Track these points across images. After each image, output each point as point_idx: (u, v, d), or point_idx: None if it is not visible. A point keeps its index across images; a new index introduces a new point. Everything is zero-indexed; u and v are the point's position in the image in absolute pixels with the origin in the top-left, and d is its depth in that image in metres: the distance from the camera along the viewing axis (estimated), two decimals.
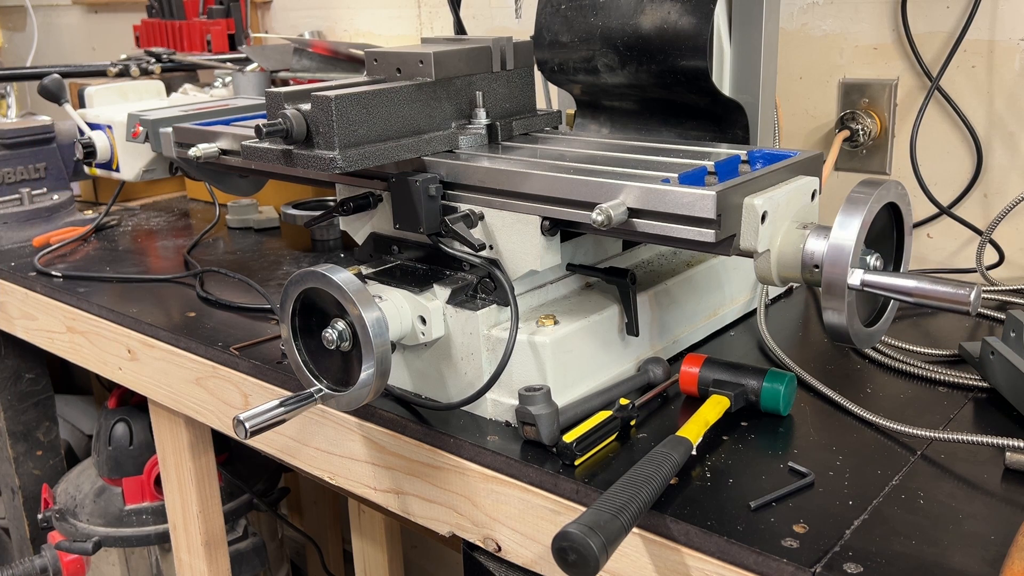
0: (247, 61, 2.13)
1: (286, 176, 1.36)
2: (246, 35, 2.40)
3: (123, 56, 2.26)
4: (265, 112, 1.48)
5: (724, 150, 1.07)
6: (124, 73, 2.08)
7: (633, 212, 0.91)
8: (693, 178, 0.93)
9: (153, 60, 2.15)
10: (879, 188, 0.85)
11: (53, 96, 1.76)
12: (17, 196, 1.86)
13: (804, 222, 0.92)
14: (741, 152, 1.03)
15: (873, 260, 0.87)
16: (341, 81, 1.12)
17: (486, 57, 1.15)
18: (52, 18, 3.45)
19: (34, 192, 1.88)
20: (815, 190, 0.97)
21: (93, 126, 1.77)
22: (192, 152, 1.33)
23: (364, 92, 1.02)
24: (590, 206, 0.92)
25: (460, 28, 1.33)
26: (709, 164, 0.98)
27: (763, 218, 0.88)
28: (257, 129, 1.01)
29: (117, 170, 1.76)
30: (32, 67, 2.39)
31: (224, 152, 1.34)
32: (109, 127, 1.74)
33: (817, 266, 0.87)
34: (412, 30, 2.18)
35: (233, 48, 2.37)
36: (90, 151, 1.75)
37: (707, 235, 0.88)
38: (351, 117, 1.00)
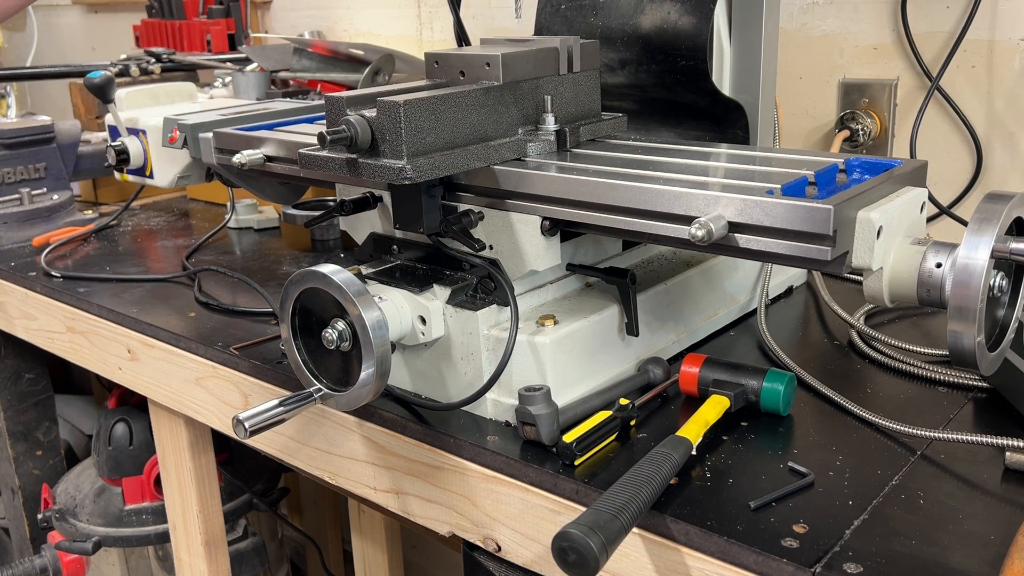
0: (247, 61, 2.13)
1: (331, 184, 1.29)
2: (246, 35, 2.41)
3: (123, 56, 2.26)
4: (306, 116, 1.46)
5: (823, 158, 0.99)
6: (124, 73, 2.08)
7: (733, 227, 0.85)
8: (795, 189, 0.86)
9: (153, 60, 2.15)
10: (1010, 202, 0.80)
11: (101, 93, 1.66)
12: (17, 196, 1.86)
13: (915, 237, 0.87)
14: (839, 160, 0.96)
15: (999, 279, 0.82)
16: (403, 86, 1.06)
17: (553, 59, 1.09)
18: (52, 18, 3.45)
19: (34, 192, 1.88)
20: (924, 202, 0.92)
21: (126, 130, 1.71)
22: (236, 159, 1.27)
23: (433, 97, 0.96)
24: (683, 219, 0.87)
25: (460, 28, 1.33)
26: (809, 174, 0.90)
27: (878, 233, 0.83)
28: (321, 137, 0.95)
29: (151, 176, 1.67)
30: (32, 67, 2.39)
31: (269, 159, 1.28)
32: (143, 132, 1.66)
33: (938, 285, 0.82)
34: (412, 30, 2.18)
35: (233, 48, 2.37)
36: (124, 157, 1.66)
37: (822, 252, 0.81)
38: (419, 124, 0.94)
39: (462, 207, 1.04)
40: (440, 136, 0.97)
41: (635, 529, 0.85)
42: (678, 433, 0.90)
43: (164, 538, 1.76)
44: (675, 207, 0.89)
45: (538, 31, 1.29)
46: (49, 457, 2.01)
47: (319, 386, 0.98)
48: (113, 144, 1.66)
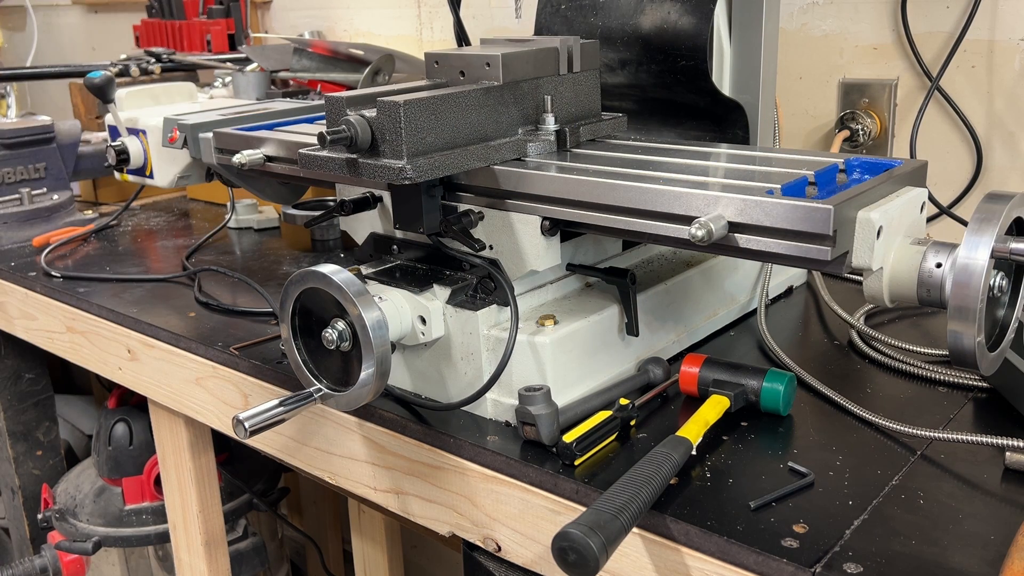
0: (247, 61, 2.13)
1: (330, 183, 1.28)
2: (246, 35, 2.41)
3: (123, 56, 2.26)
4: (306, 116, 1.45)
5: (823, 158, 0.99)
6: (124, 73, 2.08)
7: (733, 227, 0.85)
8: (795, 189, 0.86)
9: (153, 60, 2.16)
10: (1010, 202, 0.80)
11: (101, 93, 1.65)
12: (17, 196, 1.86)
13: (915, 237, 0.87)
14: (839, 160, 0.96)
15: (999, 279, 0.82)
16: (403, 86, 1.06)
17: (553, 59, 1.08)
18: (52, 18, 3.45)
19: (34, 192, 1.88)
20: (924, 202, 0.92)
21: (126, 130, 1.71)
22: (236, 159, 1.26)
23: (433, 97, 0.96)
24: (683, 219, 0.87)
25: (460, 28, 1.33)
26: (809, 174, 0.90)
27: (878, 233, 0.83)
28: (321, 137, 0.94)
29: (151, 176, 1.66)
30: (32, 67, 2.39)
31: (269, 159, 1.27)
32: (143, 132, 1.65)
33: (938, 285, 0.82)
34: (412, 30, 2.18)
35: (233, 48, 2.37)
36: (124, 157, 1.65)
37: (822, 252, 0.81)
38: (419, 124, 0.94)
39: (462, 207, 1.04)
40: (440, 136, 0.97)
41: (635, 529, 0.85)
42: (678, 433, 0.90)
43: (164, 538, 1.76)
44: (675, 207, 0.89)
45: (538, 31, 1.29)
46: (49, 457, 2.01)
47: (319, 386, 0.98)
48: (113, 144, 1.66)
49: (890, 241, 0.86)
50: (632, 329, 1.07)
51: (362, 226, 1.16)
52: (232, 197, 1.88)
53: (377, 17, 2.26)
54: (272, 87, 1.99)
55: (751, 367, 1.01)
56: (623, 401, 0.99)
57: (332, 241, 1.73)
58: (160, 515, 1.77)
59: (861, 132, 1.49)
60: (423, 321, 1.01)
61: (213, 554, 1.55)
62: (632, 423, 0.98)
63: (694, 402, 1.02)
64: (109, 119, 1.70)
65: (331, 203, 1.74)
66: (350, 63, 1.92)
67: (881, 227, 0.84)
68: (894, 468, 0.90)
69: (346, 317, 0.93)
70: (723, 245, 0.86)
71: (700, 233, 0.83)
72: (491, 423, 1.01)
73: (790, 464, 0.90)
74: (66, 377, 2.83)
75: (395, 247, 1.12)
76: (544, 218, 0.98)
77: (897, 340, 1.16)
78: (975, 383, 1.05)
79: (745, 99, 1.22)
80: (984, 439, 0.90)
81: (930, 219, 1.47)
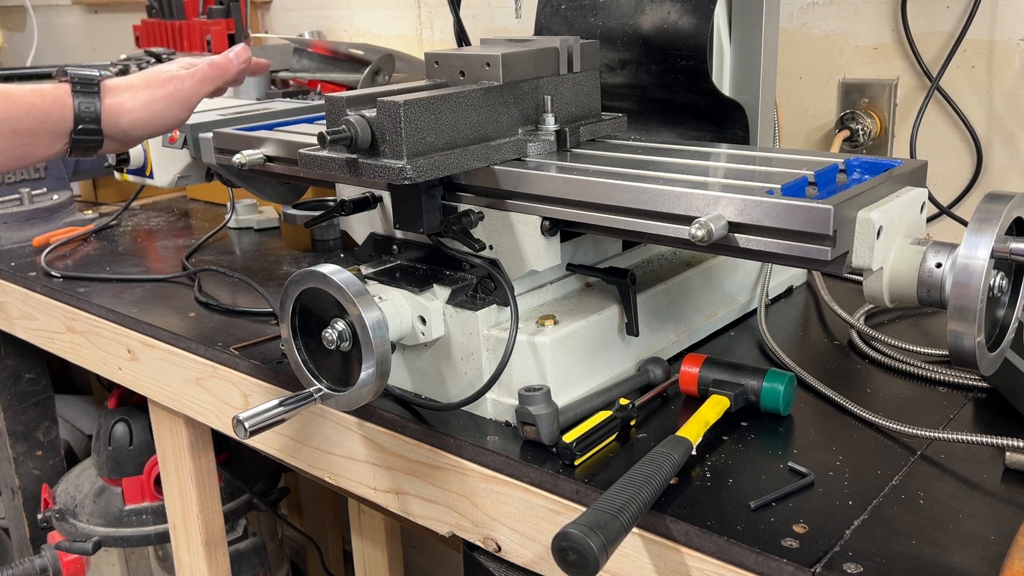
0: None
1: (330, 183, 1.28)
2: (246, 35, 2.40)
3: (123, 56, 2.26)
4: (306, 116, 1.45)
5: (823, 158, 0.99)
6: (124, 73, 2.07)
7: (734, 227, 0.85)
8: (795, 189, 0.86)
9: (153, 60, 2.15)
10: (1010, 202, 0.80)
11: None
12: (17, 196, 1.86)
13: (915, 237, 0.87)
14: (839, 160, 0.96)
15: (999, 279, 0.82)
16: (403, 86, 1.06)
17: (553, 59, 1.09)
18: (52, 18, 3.45)
19: (34, 192, 1.88)
20: (924, 202, 0.92)
21: None
22: (236, 159, 1.26)
23: (433, 97, 0.96)
24: (683, 219, 0.87)
25: (460, 28, 1.33)
26: (809, 174, 0.90)
27: (878, 233, 0.83)
28: (320, 137, 0.94)
29: (151, 176, 1.67)
30: (32, 67, 2.39)
31: (269, 159, 1.27)
32: None
33: (938, 285, 0.83)
34: (412, 30, 2.18)
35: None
36: (123, 157, 1.66)
37: (822, 252, 0.81)
38: (419, 124, 0.94)
39: (462, 207, 1.03)
40: (440, 136, 0.97)
41: (635, 529, 0.85)
42: (678, 433, 0.90)
43: (164, 538, 1.76)
44: (675, 207, 0.89)
45: (538, 31, 1.29)
46: (49, 457, 2.01)
47: (319, 386, 0.98)
48: None
49: (890, 241, 0.86)
50: (632, 329, 1.07)
51: (362, 226, 1.16)
52: (232, 197, 1.88)
53: (377, 17, 2.26)
54: (272, 87, 1.99)
55: (751, 367, 1.01)
56: (623, 401, 0.99)
57: (332, 241, 1.73)
58: (160, 515, 1.77)
59: (861, 132, 1.49)
60: (423, 321, 1.01)
61: (213, 554, 1.55)
62: (632, 423, 0.98)
63: (694, 402, 1.02)
64: None
65: (331, 203, 1.74)
66: (350, 63, 1.93)
67: (881, 227, 0.84)
68: (894, 468, 0.90)
69: (346, 317, 0.93)
70: (723, 245, 0.86)
71: (700, 233, 0.83)
72: (491, 423, 1.02)
73: (790, 464, 0.90)
74: (66, 377, 2.83)
75: (395, 247, 1.12)
76: (544, 218, 0.99)
77: (897, 340, 1.16)
78: (975, 383, 1.05)
79: (745, 99, 1.22)
80: (984, 439, 0.90)
81: (930, 219, 1.47)
